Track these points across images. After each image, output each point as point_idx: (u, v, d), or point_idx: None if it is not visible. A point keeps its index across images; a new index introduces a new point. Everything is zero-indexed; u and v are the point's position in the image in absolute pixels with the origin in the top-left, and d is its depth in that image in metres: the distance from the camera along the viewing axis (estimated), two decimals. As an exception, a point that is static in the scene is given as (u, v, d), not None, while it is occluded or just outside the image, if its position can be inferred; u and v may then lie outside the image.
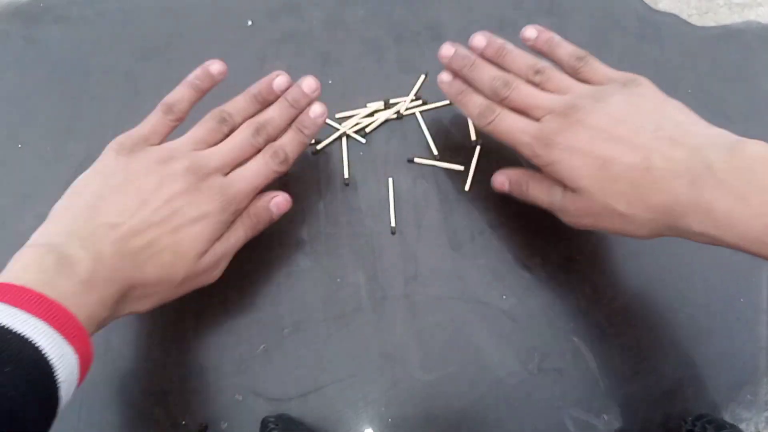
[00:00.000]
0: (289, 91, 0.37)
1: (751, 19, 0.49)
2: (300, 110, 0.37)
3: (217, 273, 0.35)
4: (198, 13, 0.49)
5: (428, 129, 0.44)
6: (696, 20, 0.49)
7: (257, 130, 0.35)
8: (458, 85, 0.38)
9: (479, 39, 0.37)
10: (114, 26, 0.48)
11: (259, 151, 0.35)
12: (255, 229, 0.36)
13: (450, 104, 0.45)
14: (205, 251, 0.32)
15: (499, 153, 0.44)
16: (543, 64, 0.35)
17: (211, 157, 0.33)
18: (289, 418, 0.37)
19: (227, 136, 0.35)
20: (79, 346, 0.26)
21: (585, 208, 0.32)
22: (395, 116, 0.45)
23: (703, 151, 0.27)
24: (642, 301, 0.40)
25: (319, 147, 0.44)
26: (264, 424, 0.36)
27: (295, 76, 0.46)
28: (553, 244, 0.41)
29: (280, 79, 0.37)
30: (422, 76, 0.46)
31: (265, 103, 0.37)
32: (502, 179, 0.38)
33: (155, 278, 0.30)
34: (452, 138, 0.44)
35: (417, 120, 0.44)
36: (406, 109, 0.45)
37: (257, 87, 0.37)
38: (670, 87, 0.45)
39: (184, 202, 0.31)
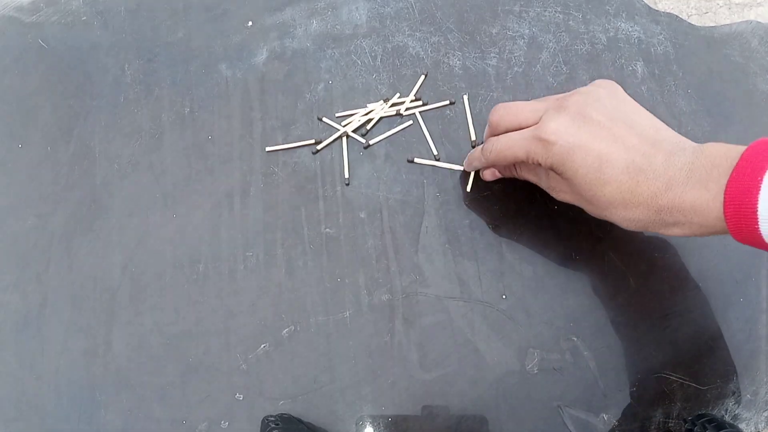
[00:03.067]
0: None
1: (750, 18, 0.49)
2: None
3: None
4: (198, 13, 0.49)
5: (428, 129, 0.44)
6: (696, 20, 0.49)
7: None
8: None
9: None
10: (114, 26, 0.49)
11: None
12: None
13: (450, 104, 0.45)
14: None
15: (499, 153, 0.44)
16: None
17: None
18: (289, 417, 0.37)
19: None
20: None
21: (572, 193, 0.34)
22: (395, 116, 0.45)
23: (675, 156, 0.30)
24: (641, 301, 0.40)
25: (319, 147, 0.44)
26: (264, 423, 0.36)
27: (295, 76, 0.46)
28: (553, 244, 0.41)
29: None
30: (422, 77, 0.46)
31: None
32: (490, 175, 0.40)
33: None
34: (452, 138, 0.44)
35: (417, 120, 0.44)
36: (406, 109, 0.45)
37: None
38: (670, 87, 0.46)
39: None
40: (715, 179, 0.28)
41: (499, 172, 0.40)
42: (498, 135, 0.37)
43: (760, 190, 0.26)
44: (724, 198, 0.27)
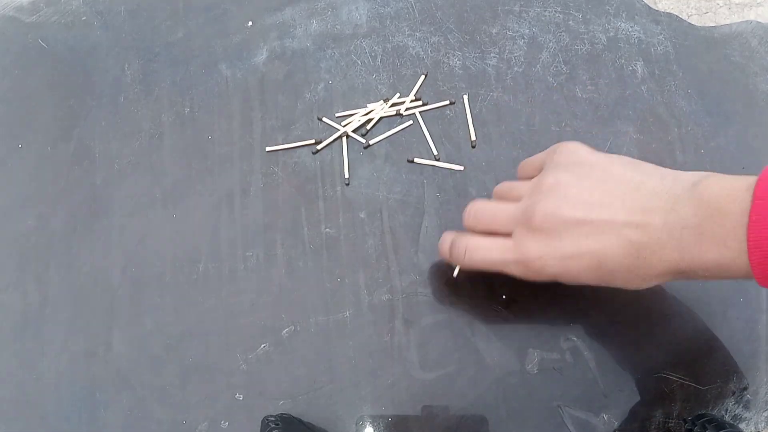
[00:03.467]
0: None
1: (750, 18, 0.49)
2: None
3: None
4: (198, 13, 0.49)
5: (428, 129, 0.44)
6: (696, 20, 0.49)
7: None
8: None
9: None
10: (115, 26, 0.49)
11: None
12: None
13: (450, 104, 0.45)
14: None
15: (497, 155, 0.44)
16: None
17: None
18: (289, 417, 0.37)
19: None
20: None
21: (585, 284, 0.32)
22: (395, 116, 0.45)
23: (672, 213, 0.27)
24: (641, 301, 0.40)
25: (319, 147, 0.44)
26: (264, 423, 0.36)
27: (295, 76, 0.46)
28: (553, 244, 0.41)
29: None
30: (422, 77, 0.46)
31: None
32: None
33: None
34: (452, 138, 0.44)
35: (417, 120, 0.44)
36: (406, 109, 0.45)
37: None
38: (670, 87, 0.46)
39: None
40: (731, 233, 0.25)
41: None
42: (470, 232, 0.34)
43: None
44: (748, 248, 0.25)
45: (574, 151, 0.32)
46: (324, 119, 0.45)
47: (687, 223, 0.26)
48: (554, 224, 0.30)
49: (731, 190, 0.26)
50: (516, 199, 0.33)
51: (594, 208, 0.29)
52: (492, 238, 0.33)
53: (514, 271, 0.32)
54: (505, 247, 0.32)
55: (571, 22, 0.48)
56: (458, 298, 0.40)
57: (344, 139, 0.44)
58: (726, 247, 0.25)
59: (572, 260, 0.29)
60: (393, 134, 0.44)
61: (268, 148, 0.44)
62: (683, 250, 0.27)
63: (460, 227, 0.42)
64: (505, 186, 0.35)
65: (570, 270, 0.30)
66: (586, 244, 0.29)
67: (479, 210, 0.34)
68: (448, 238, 0.36)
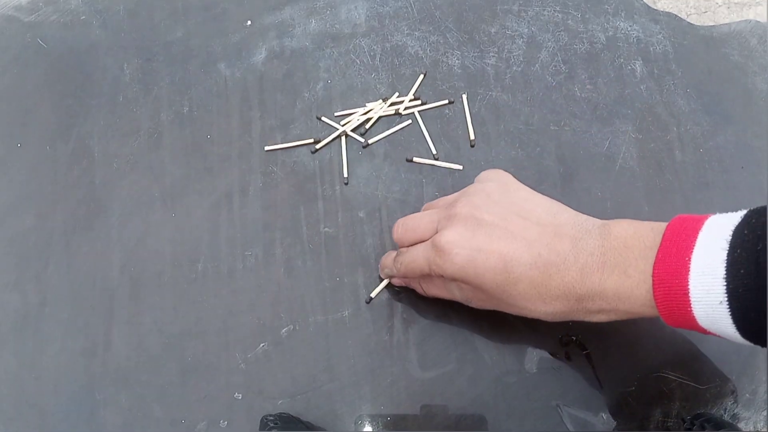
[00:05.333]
0: None
1: (749, 18, 0.49)
2: None
3: None
4: (197, 12, 0.49)
5: (427, 128, 0.44)
6: (695, 19, 0.49)
7: None
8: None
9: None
10: (113, 26, 0.49)
11: None
12: None
13: (449, 103, 0.45)
14: None
15: (496, 155, 0.44)
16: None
17: None
18: (288, 416, 0.37)
19: None
20: None
21: (488, 299, 0.33)
22: (394, 115, 0.45)
23: (581, 241, 0.30)
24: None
25: (318, 146, 0.44)
26: (263, 422, 0.36)
27: (294, 75, 0.46)
28: (552, 243, 0.41)
29: None
30: (421, 76, 0.46)
31: None
32: (399, 281, 0.39)
33: None
34: (451, 137, 0.44)
35: (416, 119, 0.44)
36: (406, 108, 0.45)
37: None
38: (669, 86, 0.46)
39: None
40: (633, 264, 0.27)
41: (413, 288, 0.39)
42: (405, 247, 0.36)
43: (689, 271, 0.25)
44: (653, 282, 0.26)
45: (503, 174, 0.35)
46: (323, 118, 0.45)
47: (593, 252, 0.29)
48: (472, 219, 0.32)
49: (637, 229, 0.28)
50: (440, 207, 0.36)
51: (511, 217, 0.31)
52: (418, 244, 0.35)
53: (430, 258, 0.33)
54: (425, 244, 0.34)
55: (569, 22, 0.48)
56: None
57: (343, 138, 0.44)
58: (626, 275, 0.27)
59: (480, 254, 0.31)
60: (392, 133, 0.44)
61: (267, 148, 0.44)
62: (585, 273, 0.29)
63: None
64: (433, 202, 0.38)
65: (476, 264, 0.31)
66: (497, 244, 0.31)
67: (407, 218, 0.37)
68: (390, 256, 0.39)
